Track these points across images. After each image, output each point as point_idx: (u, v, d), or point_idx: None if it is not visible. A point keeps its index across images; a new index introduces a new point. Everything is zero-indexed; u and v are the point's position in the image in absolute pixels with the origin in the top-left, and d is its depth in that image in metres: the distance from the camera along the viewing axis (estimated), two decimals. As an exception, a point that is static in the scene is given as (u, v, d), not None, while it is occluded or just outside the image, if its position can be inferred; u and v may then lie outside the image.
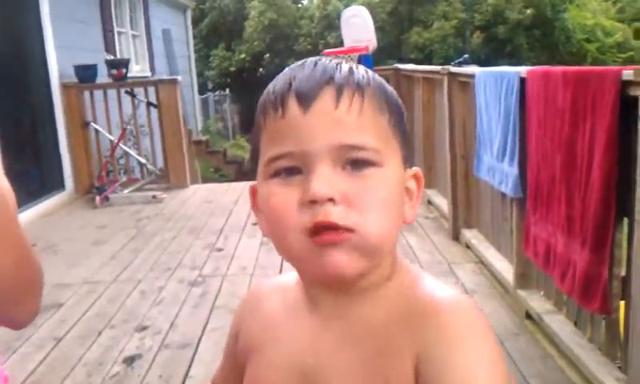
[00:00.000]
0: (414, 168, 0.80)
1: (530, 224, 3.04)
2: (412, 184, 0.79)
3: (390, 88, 0.78)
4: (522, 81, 3.10)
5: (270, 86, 0.77)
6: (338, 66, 0.75)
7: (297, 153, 0.72)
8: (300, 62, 0.78)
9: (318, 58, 0.78)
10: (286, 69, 0.78)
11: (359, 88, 0.73)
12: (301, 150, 0.71)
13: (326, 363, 0.76)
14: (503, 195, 3.67)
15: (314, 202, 0.70)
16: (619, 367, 2.46)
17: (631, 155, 2.15)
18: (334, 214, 0.70)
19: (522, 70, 3.15)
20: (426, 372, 0.69)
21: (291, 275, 0.85)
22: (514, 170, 3.26)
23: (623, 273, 2.38)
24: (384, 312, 0.75)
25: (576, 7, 22.23)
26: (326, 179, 0.70)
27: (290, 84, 0.73)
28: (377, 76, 0.77)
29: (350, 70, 0.75)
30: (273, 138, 0.74)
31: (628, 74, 2.11)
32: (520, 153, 3.18)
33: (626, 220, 2.31)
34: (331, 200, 0.70)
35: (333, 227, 0.70)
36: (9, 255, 0.89)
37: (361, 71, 0.76)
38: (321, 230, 0.70)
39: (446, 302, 0.73)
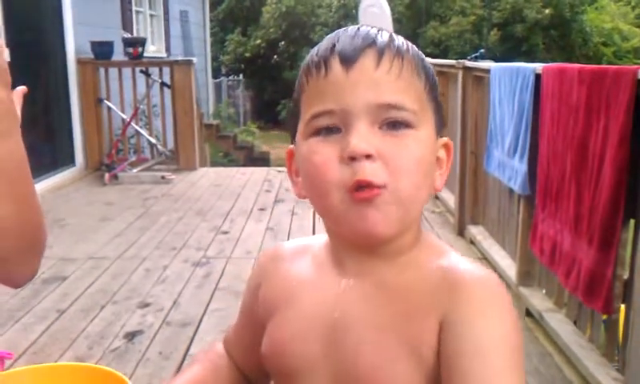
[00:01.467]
0: (444, 138, 0.83)
1: (538, 221, 3.03)
2: (442, 153, 0.83)
3: (426, 59, 0.83)
4: (537, 77, 3.08)
5: (314, 50, 0.81)
6: (380, 32, 0.79)
7: (337, 111, 0.75)
8: (343, 29, 0.81)
9: (360, 24, 0.81)
10: (330, 34, 0.82)
11: (399, 53, 0.77)
12: (341, 109, 0.75)
13: (352, 318, 0.79)
14: (511, 192, 3.66)
15: (352, 159, 0.73)
16: (617, 369, 2.46)
17: (641, 155, 2.14)
18: (371, 171, 0.73)
19: (538, 66, 3.13)
20: (446, 335, 0.73)
21: (316, 239, 0.89)
22: (523, 167, 3.24)
23: (626, 275, 2.38)
24: (411, 277, 0.79)
25: (594, 10, 22.05)
26: (364, 136, 0.73)
27: (334, 45, 0.77)
28: (415, 47, 0.82)
29: (391, 36, 0.79)
30: (315, 96, 0.77)
31: (644, 73, 2.10)
32: (531, 150, 3.16)
33: (632, 222, 2.30)
34: (369, 156, 0.73)
35: (370, 186, 0.73)
36: (11, 206, 0.88)
37: (400, 39, 0.80)
38: (359, 188, 0.73)
39: (474, 274, 0.77)
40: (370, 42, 0.76)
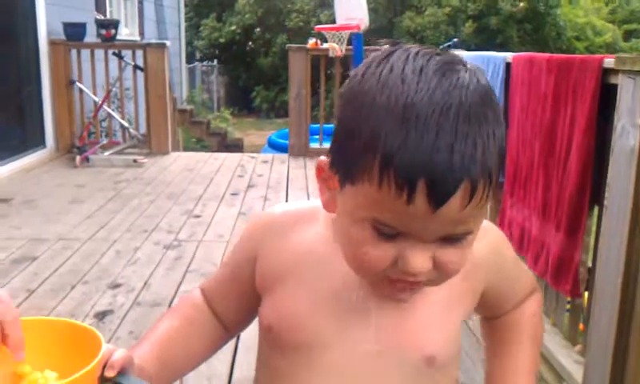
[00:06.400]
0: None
1: (506, 207, 3.08)
2: None
3: (503, 141, 0.70)
4: (508, 66, 3.12)
5: (398, 139, 0.65)
6: (476, 143, 0.66)
7: (405, 232, 0.69)
8: (439, 108, 0.65)
9: (448, 104, 0.65)
10: (425, 114, 0.65)
11: (489, 178, 0.67)
12: (409, 232, 0.69)
13: (370, 302, 0.82)
14: (481, 179, 3.70)
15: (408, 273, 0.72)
16: (579, 353, 2.52)
17: (606, 143, 2.19)
18: (423, 278, 0.73)
19: (508, 55, 3.17)
20: None
21: (315, 205, 0.86)
22: (493, 155, 3.28)
23: (590, 263, 2.43)
24: None
25: (569, 4, 22.27)
26: (422, 254, 0.70)
27: (424, 168, 0.64)
28: (498, 130, 0.68)
29: (484, 146, 0.66)
30: (385, 206, 0.67)
31: (609, 61, 2.14)
32: (501, 137, 3.21)
33: (596, 209, 2.36)
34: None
35: (415, 282, 0.74)
36: None
37: (491, 144, 0.67)
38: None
39: None
40: (466, 172, 0.64)
